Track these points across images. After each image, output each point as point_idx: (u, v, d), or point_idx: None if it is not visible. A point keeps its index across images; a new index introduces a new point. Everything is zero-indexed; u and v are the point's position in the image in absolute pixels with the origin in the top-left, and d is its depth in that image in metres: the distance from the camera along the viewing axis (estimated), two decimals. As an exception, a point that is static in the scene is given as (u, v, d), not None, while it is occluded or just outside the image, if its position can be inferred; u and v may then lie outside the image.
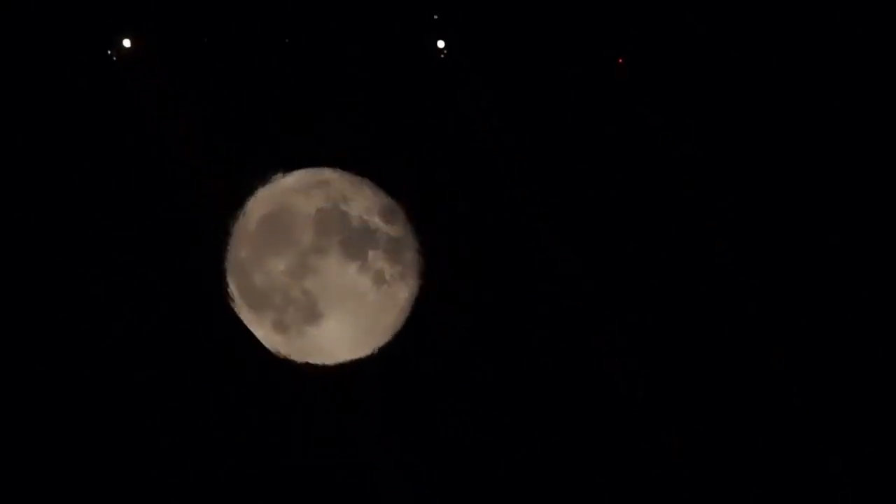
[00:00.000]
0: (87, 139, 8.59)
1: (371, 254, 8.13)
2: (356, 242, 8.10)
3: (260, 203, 8.42)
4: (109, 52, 8.46)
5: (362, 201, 8.27)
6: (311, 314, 8.12)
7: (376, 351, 8.53)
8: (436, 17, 8.45)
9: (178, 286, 8.67)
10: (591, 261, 8.72)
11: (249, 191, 8.49)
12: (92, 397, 8.63)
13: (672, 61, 8.49)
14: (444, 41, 8.45)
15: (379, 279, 8.16)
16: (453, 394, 8.83)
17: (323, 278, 8.00)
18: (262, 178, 8.50)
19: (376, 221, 8.21)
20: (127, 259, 8.60)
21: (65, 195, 8.60)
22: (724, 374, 8.60)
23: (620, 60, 8.47)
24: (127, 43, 8.38)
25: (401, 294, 8.35)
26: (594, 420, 8.72)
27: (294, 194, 8.28)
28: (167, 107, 8.55)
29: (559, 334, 8.80)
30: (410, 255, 8.37)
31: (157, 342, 8.68)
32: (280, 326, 8.28)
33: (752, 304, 8.54)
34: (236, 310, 8.47)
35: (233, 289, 8.45)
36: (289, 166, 8.54)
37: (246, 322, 8.47)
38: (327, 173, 8.44)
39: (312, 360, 8.51)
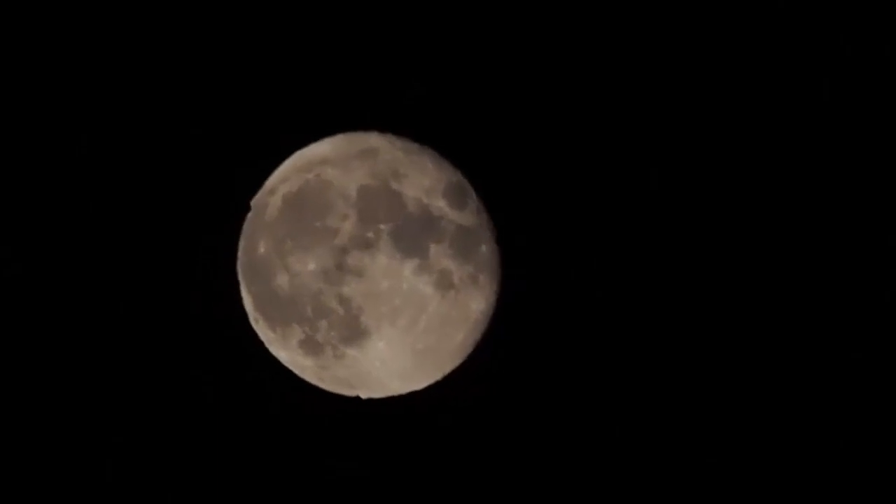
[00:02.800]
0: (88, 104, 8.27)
1: (433, 249, 7.51)
2: (413, 234, 7.49)
3: (283, 180, 7.83)
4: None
5: (421, 178, 7.69)
6: (353, 331, 7.52)
7: (441, 380, 8.03)
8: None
9: (176, 291, 8.27)
10: (713, 259, 8.32)
11: (269, 164, 7.97)
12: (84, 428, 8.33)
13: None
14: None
15: (444, 283, 7.55)
16: (544, 437, 8.35)
17: (368, 282, 7.42)
18: (287, 146, 7.98)
19: (440, 206, 7.62)
20: (114, 259, 8.29)
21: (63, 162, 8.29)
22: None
23: None
24: None
25: (473, 304, 7.74)
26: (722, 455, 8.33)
27: (329, 168, 7.68)
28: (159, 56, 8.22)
29: (674, 354, 8.33)
30: (486, 252, 7.78)
31: (149, 368, 8.34)
32: (311, 347, 7.66)
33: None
34: (253, 325, 7.95)
35: (247, 296, 7.88)
36: (322, 129, 7.97)
37: (265, 341, 7.91)
38: (374, 139, 7.87)
39: (354, 393, 7.94)
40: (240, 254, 7.90)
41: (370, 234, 7.42)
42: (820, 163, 8.25)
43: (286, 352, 7.82)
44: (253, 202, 7.94)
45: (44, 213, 8.27)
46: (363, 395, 7.88)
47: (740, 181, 8.31)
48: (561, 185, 8.32)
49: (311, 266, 7.45)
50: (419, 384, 7.96)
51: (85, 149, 8.28)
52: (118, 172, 8.27)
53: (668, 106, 8.28)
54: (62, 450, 8.29)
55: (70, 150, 8.25)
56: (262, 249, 7.67)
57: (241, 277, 7.91)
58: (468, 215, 7.74)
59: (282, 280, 7.53)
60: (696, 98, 8.30)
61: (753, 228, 8.34)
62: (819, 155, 8.25)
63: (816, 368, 8.23)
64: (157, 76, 8.24)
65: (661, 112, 8.30)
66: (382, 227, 7.45)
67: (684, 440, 8.31)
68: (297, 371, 7.91)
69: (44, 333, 8.31)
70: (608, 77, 8.28)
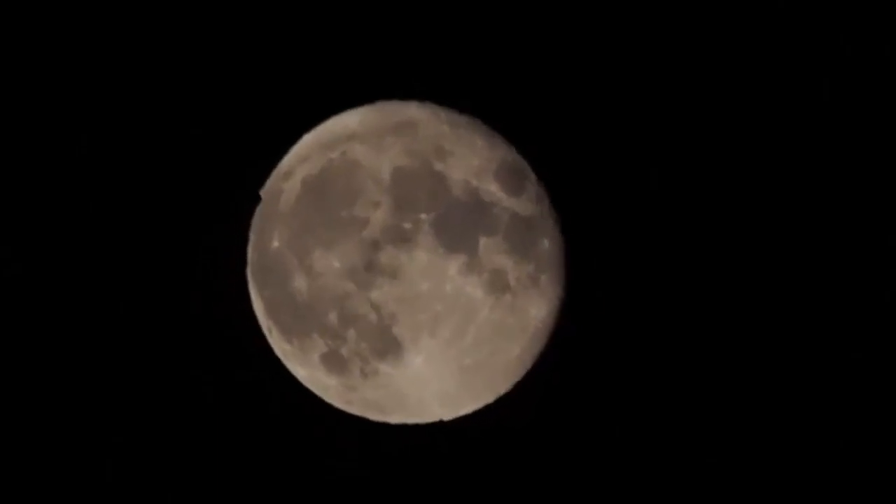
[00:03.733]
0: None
1: (484, 243, 7.09)
2: (459, 225, 7.08)
3: (301, 160, 7.42)
4: None
5: (470, 157, 7.27)
6: (386, 343, 7.11)
7: (492, 404, 7.61)
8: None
9: (174, 295, 7.91)
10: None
11: (284, 140, 7.56)
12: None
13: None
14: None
15: (497, 285, 7.15)
16: (616, 473, 7.93)
17: (404, 284, 7.02)
18: (305, 118, 7.55)
19: (493, 190, 7.22)
20: (104, 260, 7.94)
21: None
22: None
23: None
24: None
25: (533, 310, 7.33)
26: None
27: (358, 144, 7.23)
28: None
29: (769, 370, 7.89)
30: (549, 247, 7.39)
31: (146, 387, 7.98)
32: (335, 363, 7.23)
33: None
34: (267, 337, 7.57)
35: (258, 301, 7.53)
36: (349, 98, 7.55)
37: (280, 355, 7.55)
38: (412, 110, 7.46)
39: (389, 419, 7.55)
40: (249, 251, 7.53)
41: (407, 226, 6.98)
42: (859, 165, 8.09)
43: (305, 368, 7.40)
44: (264, 188, 7.62)
45: (41, 210, 8.00)
46: (400, 421, 7.43)
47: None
48: (638, 167, 7.86)
49: (336, 265, 7.01)
50: (466, 408, 7.53)
51: (82, 145, 8.01)
52: (107, 159, 7.91)
53: (761, 69, 7.86)
54: (56, 461, 8.00)
55: (64, 138, 8.00)
56: (275, 245, 7.25)
57: (250, 279, 7.52)
58: (526, 202, 7.31)
59: (300, 282, 7.12)
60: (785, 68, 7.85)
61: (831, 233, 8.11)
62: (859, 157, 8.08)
63: (817, 368, 8.00)
64: (150, 41, 7.86)
65: (755, 74, 7.89)
66: (422, 216, 7.00)
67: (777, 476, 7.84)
68: (318, 391, 7.51)
69: (40, 335, 8.01)
70: (692, 34, 7.88)
